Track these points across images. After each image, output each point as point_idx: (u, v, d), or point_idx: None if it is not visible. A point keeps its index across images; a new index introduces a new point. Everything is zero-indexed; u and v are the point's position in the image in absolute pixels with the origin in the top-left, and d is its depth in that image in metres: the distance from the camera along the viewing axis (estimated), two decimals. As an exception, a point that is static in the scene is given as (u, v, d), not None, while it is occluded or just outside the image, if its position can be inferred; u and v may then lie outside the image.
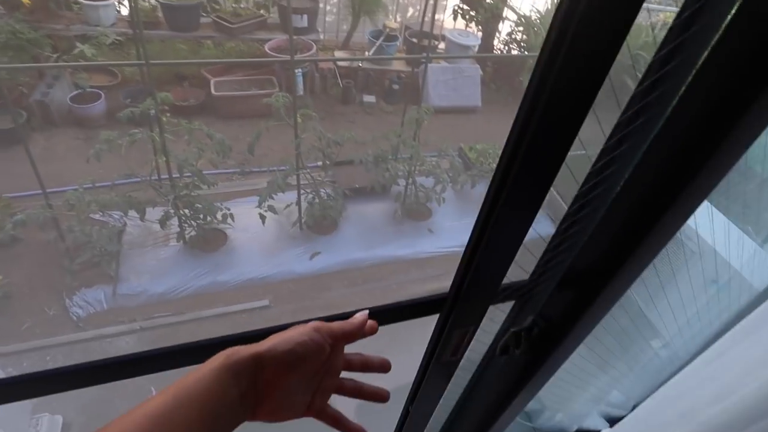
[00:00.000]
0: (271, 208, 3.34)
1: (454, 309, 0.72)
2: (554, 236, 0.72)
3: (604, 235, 0.64)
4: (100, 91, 4.24)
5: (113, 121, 4.36)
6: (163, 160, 3.02)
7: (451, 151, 4.20)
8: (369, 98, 5.40)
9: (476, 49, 5.83)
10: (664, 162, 0.54)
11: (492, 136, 5.30)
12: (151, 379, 2.34)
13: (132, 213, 3.11)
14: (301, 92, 5.11)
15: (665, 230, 0.59)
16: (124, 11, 4.65)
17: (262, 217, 3.35)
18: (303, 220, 3.71)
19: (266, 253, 3.56)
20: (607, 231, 0.64)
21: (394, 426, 1.08)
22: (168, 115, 3.03)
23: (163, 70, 4.90)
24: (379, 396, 0.56)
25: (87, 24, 4.16)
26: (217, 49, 5.33)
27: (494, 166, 4.48)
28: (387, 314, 0.74)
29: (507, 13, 6.13)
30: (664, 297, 1.42)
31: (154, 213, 3.23)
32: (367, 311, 0.59)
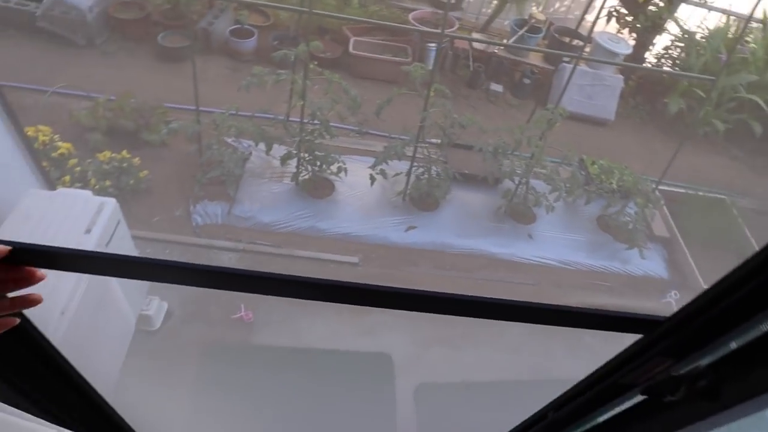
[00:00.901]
0: (382, 172, 3.45)
1: (672, 335, 0.65)
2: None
3: None
4: (255, 30, 4.57)
5: (260, 58, 4.71)
6: (300, 104, 3.21)
7: (574, 160, 4.00)
8: (496, 87, 5.27)
9: (623, 58, 5.41)
10: None
11: (618, 155, 4.95)
12: (242, 297, 2.58)
13: (260, 145, 3.38)
14: (430, 67, 5.13)
15: None
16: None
17: (372, 179, 3.47)
18: (407, 192, 3.79)
19: (366, 214, 3.69)
20: None
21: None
22: (315, 63, 3.20)
23: (309, 21, 5.15)
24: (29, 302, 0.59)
25: (259, -35, 4.47)
26: (362, 9, 5.48)
27: (616, 186, 4.17)
28: (577, 318, 0.73)
29: (668, 25, 5.59)
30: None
31: (277, 150, 3.48)
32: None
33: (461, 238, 3.81)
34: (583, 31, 5.41)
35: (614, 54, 5.18)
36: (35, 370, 0.71)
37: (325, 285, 0.64)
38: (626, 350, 0.76)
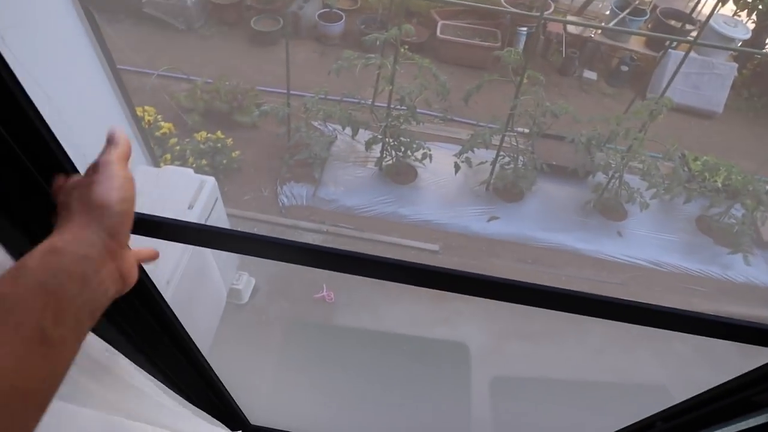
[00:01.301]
0: (467, 161, 3.36)
1: None
2: None
3: None
4: (343, 13, 4.59)
5: (347, 41, 4.74)
6: (388, 88, 3.19)
7: (675, 156, 3.67)
8: (590, 74, 4.95)
9: (740, 43, 4.86)
10: None
11: (726, 151, 4.50)
12: (324, 277, 2.61)
13: (347, 129, 3.41)
14: (520, 51, 4.90)
15: None
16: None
17: (457, 167, 3.39)
18: (491, 182, 3.67)
19: (448, 202, 3.63)
20: None
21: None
22: (405, 47, 3.15)
23: (398, 5, 5.09)
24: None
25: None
26: (451, -8, 5.33)
27: (721, 185, 3.81)
28: (698, 324, 0.66)
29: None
30: None
31: (363, 134, 3.49)
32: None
33: (545, 232, 3.64)
34: (694, 13, 4.90)
35: (730, 39, 4.66)
36: (147, 322, 0.77)
37: (408, 267, 0.63)
38: (764, 366, 0.68)
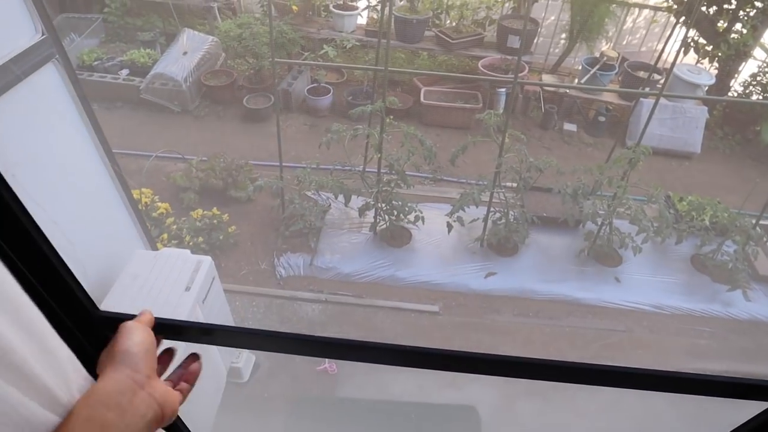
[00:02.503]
0: (459, 219, 3.43)
1: None
2: None
3: None
4: (330, 87, 4.85)
5: (335, 113, 4.97)
6: (378, 156, 3.32)
7: (660, 198, 3.77)
8: (570, 126, 5.16)
9: (706, 89, 5.13)
10: None
11: (708, 189, 4.62)
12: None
13: (339, 197, 3.49)
14: (501, 110, 5.14)
15: None
16: (360, 21, 5.24)
17: (449, 227, 3.46)
18: (485, 238, 3.72)
19: (444, 261, 3.66)
20: None
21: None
22: (391, 117, 3.31)
23: (382, 76, 5.40)
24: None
25: (333, 30, 4.80)
26: (431, 60, 5.66)
27: (709, 223, 3.88)
28: (695, 385, 0.68)
29: (755, 51, 5.26)
30: None
31: (355, 201, 3.58)
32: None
33: (544, 283, 3.65)
34: (659, 63, 5.22)
35: (696, 85, 4.93)
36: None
37: (410, 352, 0.66)
38: (755, 418, 0.69)
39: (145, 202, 3.42)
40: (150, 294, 2.26)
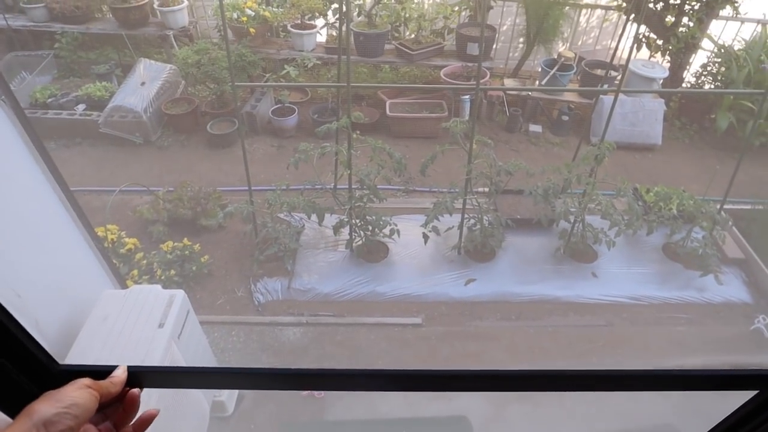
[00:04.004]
0: (435, 229, 3.42)
1: None
2: None
3: None
4: (295, 107, 4.82)
5: (302, 132, 4.93)
6: (347, 172, 3.29)
7: (628, 191, 3.85)
8: (535, 128, 5.26)
9: (661, 81, 5.31)
10: None
11: (672, 179, 4.76)
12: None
13: (313, 217, 3.45)
14: (466, 117, 5.20)
15: None
16: (321, 39, 5.24)
17: (425, 237, 3.45)
18: (462, 245, 3.73)
19: (423, 272, 3.65)
20: None
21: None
22: (358, 132, 3.30)
23: (346, 92, 5.40)
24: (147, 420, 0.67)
25: (293, 49, 4.78)
26: (393, 72, 5.70)
27: (676, 212, 3.98)
28: (681, 381, 0.68)
29: (703, 43, 5.48)
30: None
31: (329, 219, 3.54)
32: (125, 368, 0.65)
33: (523, 285, 3.67)
34: (614, 61, 5.38)
35: (651, 79, 5.10)
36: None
37: (393, 375, 0.64)
38: (742, 408, 0.70)
39: (112, 239, 3.30)
40: (121, 335, 2.16)
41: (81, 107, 4.70)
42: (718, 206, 3.85)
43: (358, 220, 3.50)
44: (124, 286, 2.61)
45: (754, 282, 3.86)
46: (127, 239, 3.39)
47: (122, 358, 1.99)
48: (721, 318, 3.64)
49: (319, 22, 5.18)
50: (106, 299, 2.33)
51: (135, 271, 3.23)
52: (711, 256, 3.72)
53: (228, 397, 2.87)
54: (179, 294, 2.39)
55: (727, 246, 4.01)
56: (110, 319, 2.22)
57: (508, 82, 5.54)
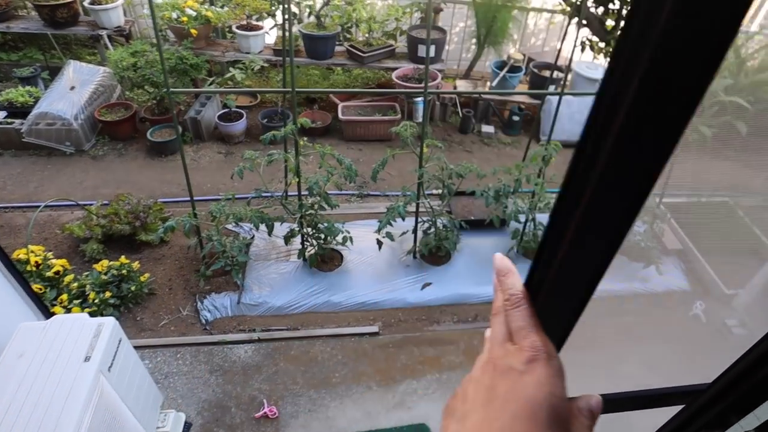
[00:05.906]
0: (389, 234, 3.35)
1: (716, 403, 0.61)
2: None
3: None
4: (243, 111, 4.62)
5: (251, 137, 4.74)
6: (295, 180, 3.16)
7: (577, 190, 3.93)
8: (487, 128, 5.29)
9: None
10: None
11: (619, 176, 4.91)
12: (263, 393, 2.38)
13: (262, 227, 3.29)
14: (419, 119, 5.16)
15: None
16: (268, 40, 5.06)
17: (379, 243, 3.37)
18: (417, 249, 3.67)
19: (379, 279, 3.56)
20: None
21: None
22: (305, 139, 3.17)
23: (296, 95, 5.25)
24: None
25: (239, 51, 4.58)
26: (345, 75, 5.58)
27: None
28: (613, 403, 0.65)
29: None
30: None
31: (280, 229, 3.39)
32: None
33: (480, 286, 3.66)
34: (560, 62, 5.50)
35: (594, 80, 5.24)
36: None
37: None
38: (668, 423, 0.71)
39: (36, 262, 3.01)
40: (40, 373, 1.94)
41: (1, 114, 4.30)
42: (657, 200, 3.99)
43: (309, 229, 3.37)
44: (49, 315, 2.37)
45: (691, 270, 4.04)
46: (54, 261, 3.10)
47: (40, 398, 1.78)
48: (664, 307, 3.79)
49: (269, 22, 4.99)
50: (23, 333, 2.10)
51: (64, 296, 2.96)
52: (652, 249, 3.87)
53: (173, 425, 2.67)
54: (109, 321, 2.18)
55: (666, 238, 4.18)
56: (27, 356, 2.00)
57: (461, 84, 5.55)
